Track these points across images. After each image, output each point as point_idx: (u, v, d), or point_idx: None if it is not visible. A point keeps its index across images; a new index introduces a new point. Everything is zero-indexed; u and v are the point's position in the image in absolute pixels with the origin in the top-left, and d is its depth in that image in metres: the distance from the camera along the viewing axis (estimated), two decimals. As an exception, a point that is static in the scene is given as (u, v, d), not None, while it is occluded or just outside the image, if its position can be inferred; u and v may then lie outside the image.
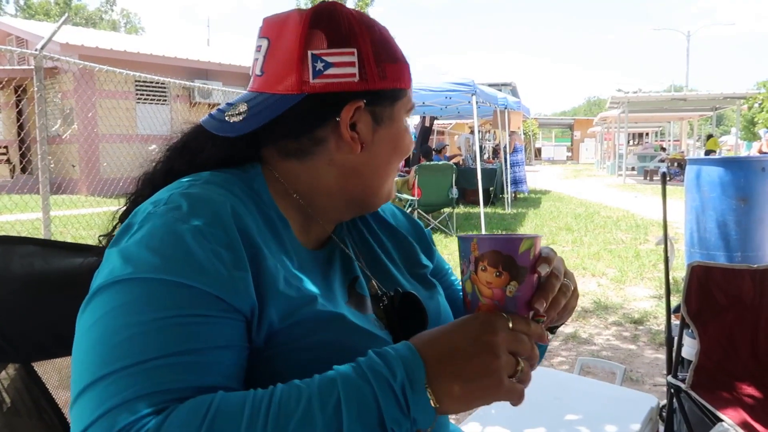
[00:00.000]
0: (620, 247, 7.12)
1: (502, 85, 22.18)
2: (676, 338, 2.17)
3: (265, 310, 0.66)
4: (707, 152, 18.75)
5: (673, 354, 2.14)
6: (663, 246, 2.51)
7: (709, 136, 21.51)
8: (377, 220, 0.98)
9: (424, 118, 14.39)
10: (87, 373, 0.56)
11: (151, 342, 0.57)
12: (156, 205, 0.68)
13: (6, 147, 14.86)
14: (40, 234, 5.66)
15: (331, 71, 0.77)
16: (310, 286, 0.73)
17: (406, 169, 10.41)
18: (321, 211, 0.85)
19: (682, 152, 24.60)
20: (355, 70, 0.78)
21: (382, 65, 0.79)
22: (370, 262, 0.90)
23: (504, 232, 1.03)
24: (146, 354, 0.56)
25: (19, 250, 0.86)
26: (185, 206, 0.67)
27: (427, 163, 9.92)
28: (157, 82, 7.60)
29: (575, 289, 0.76)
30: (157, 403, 0.55)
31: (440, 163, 9.94)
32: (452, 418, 2.49)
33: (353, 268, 0.86)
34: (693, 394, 1.92)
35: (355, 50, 0.78)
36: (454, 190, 8.55)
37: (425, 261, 0.97)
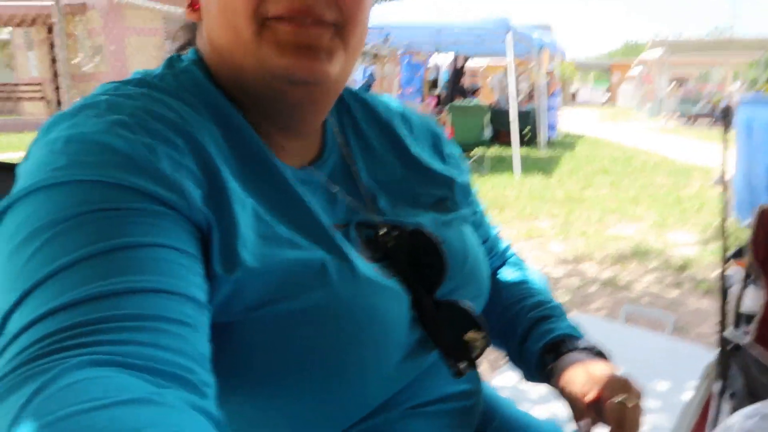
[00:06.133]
0: (660, 191, 6.82)
1: (537, 27, 21.23)
2: (733, 288, 1.98)
3: (232, 242, 0.49)
4: None
5: (731, 305, 1.96)
6: (718, 188, 2.29)
7: None
8: (380, 127, 0.73)
9: (456, 58, 13.90)
10: None
11: (69, 242, 0.41)
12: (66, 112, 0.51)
13: (40, 84, 14.96)
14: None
15: None
16: (290, 228, 0.54)
17: (439, 108, 10.13)
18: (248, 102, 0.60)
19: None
20: None
21: None
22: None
23: None
24: (61, 260, 0.40)
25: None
26: (103, 105, 0.50)
27: (459, 103, 9.58)
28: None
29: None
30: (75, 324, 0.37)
31: (472, 103, 9.60)
32: (486, 369, 2.37)
33: (349, 197, 0.65)
34: (755, 350, 1.74)
35: None
36: (486, 132, 8.25)
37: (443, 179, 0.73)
